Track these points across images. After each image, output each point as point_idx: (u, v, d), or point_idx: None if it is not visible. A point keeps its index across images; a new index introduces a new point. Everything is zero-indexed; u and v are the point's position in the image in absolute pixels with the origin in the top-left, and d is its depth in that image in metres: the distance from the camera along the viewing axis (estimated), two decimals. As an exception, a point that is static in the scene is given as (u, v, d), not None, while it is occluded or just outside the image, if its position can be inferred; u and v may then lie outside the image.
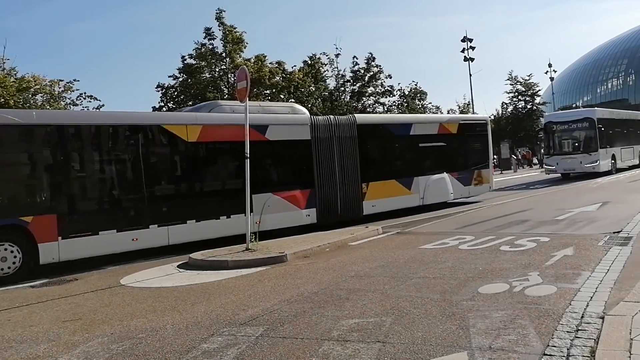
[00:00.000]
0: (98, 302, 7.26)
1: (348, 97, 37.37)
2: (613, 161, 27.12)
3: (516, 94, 49.98)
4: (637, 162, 30.85)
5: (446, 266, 7.63)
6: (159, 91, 32.68)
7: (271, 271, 8.56)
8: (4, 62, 25.16)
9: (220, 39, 31.42)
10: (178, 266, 9.71)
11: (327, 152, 14.02)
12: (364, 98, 37.63)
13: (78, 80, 27.46)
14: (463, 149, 17.73)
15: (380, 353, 4.30)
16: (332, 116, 16.03)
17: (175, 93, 32.63)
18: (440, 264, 7.81)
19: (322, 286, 7.00)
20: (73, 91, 27.55)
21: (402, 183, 15.54)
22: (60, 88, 27.30)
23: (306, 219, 13.38)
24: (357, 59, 37.33)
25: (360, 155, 14.65)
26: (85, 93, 27.67)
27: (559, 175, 26.99)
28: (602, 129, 25.56)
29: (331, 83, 37.67)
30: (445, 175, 16.67)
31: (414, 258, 8.50)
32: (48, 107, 26.15)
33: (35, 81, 26.30)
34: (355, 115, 17.02)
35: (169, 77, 32.54)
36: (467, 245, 9.21)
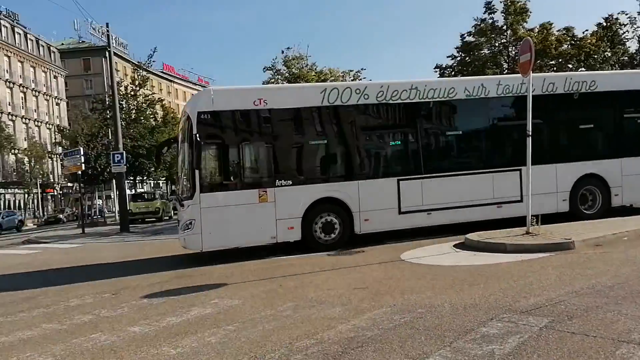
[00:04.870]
0: (382, 274, 7.86)
1: (654, 61, 31.67)
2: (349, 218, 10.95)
3: None
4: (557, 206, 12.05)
5: None
6: (436, 71, 33.76)
7: (555, 258, 7.92)
8: (307, 58, 29.93)
9: (501, 12, 30.64)
10: (454, 245, 9.80)
11: None
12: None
13: (365, 69, 31.49)
14: None
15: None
16: None
17: (453, 72, 32.99)
18: None
19: (619, 280, 6.16)
20: (361, 79, 31.00)
21: None
22: (349, 77, 31.21)
23: None
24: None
25: None
26: (371, 80, 30.60)
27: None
28: (204, 144, 9.96)
29: (632, 46, 32.53)
30: None
31: None
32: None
33: (331, 73, 30.86)
34: None
35: (447, 57, 33.49)
36: None
